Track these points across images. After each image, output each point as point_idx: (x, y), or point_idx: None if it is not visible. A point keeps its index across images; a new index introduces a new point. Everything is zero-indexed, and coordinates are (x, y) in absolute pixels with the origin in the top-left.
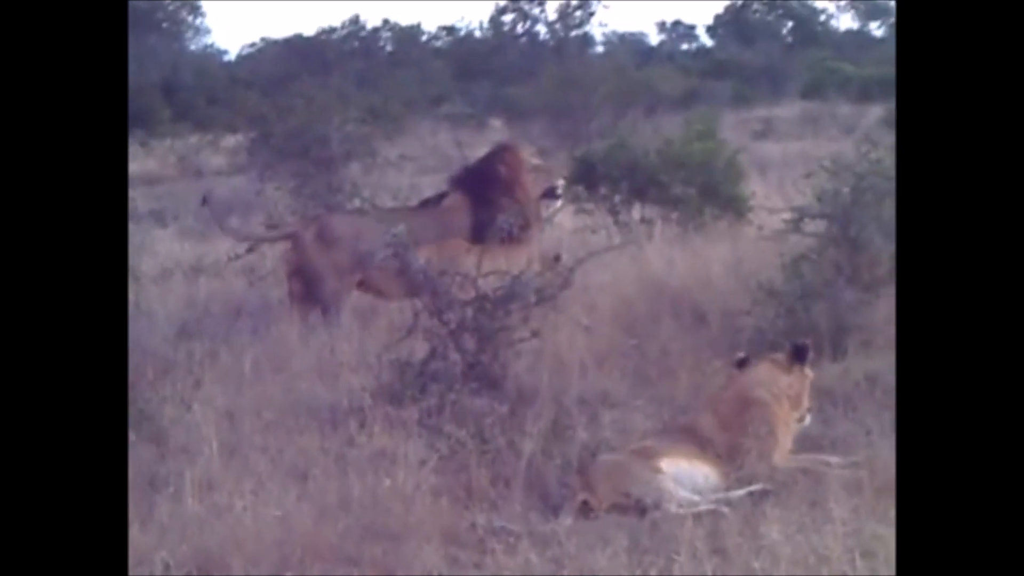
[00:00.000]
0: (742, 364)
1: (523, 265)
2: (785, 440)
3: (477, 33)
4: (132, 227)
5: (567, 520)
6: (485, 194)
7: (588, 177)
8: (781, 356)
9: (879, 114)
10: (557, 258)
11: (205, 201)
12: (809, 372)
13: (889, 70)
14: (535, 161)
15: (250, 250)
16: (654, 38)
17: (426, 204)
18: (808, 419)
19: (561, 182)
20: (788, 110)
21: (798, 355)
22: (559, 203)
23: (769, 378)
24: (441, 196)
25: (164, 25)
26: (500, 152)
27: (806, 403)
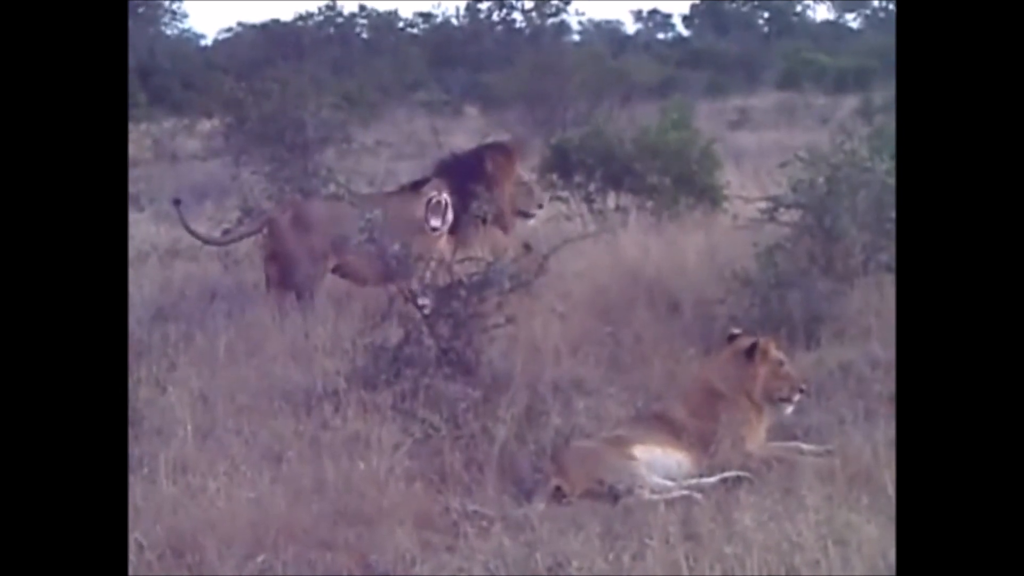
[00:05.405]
0: (733, 339)
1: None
2: (758, 428)
3: (454, 20)
4: None
5: (540, 505)
6: (466, 185)
7: (563, 165)
8: (747, 342)
9: (854, 105)
10: (527, 246)
11: (178, 203)
12: (760, 370)
13: (865, 61)
14: (525, 176)
15: (226, 232)
16: (630, 27)
17: (405, 189)
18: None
19: (538, 211)
20: (764, 100)
21: (747, 353)
22: (530, 222)
23: (734, 367)
24: (422, 182)
25: (140, 10)
26: (493, 149)
27: (758, 398)
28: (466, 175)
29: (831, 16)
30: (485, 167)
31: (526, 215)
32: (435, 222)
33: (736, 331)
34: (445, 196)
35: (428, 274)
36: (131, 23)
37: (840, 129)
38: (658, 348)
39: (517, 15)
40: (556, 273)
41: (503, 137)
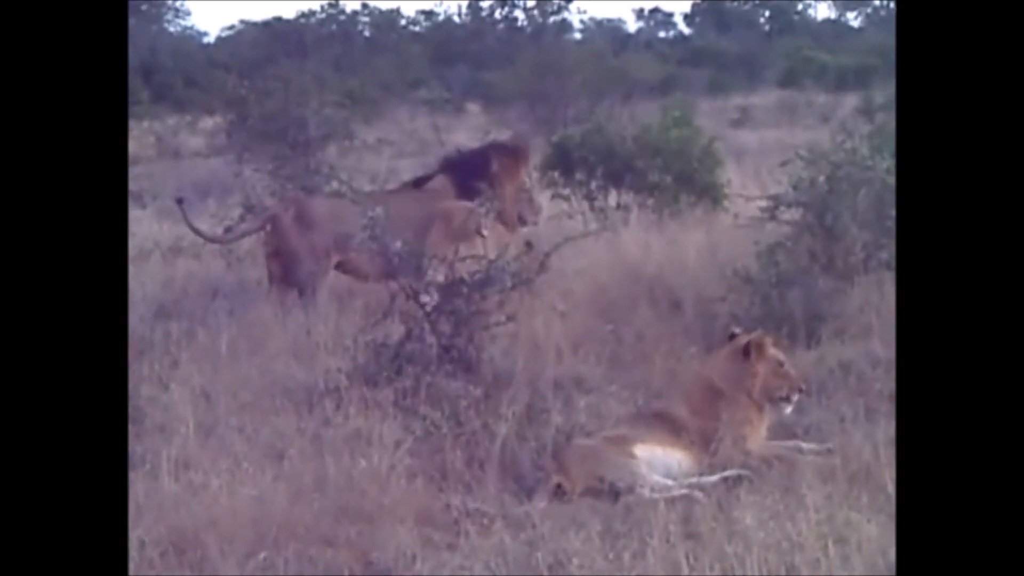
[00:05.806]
0: (733, 338)
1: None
2: (759, 427)
3: (456, 18)
4: None
5: (541, 503)
6: (470, 182)
7: (564, 163)
8: (746, 340)
9: (855, 103)
10: (528, 244)
11: (180, 201)
12: (759, 367)
13: (866, 60)
14: (528, 182)
15: (229, 229)
16: (632, 25)
17: (408, 186)
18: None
19: (536, 219)
20: (765, 98)
21: (744, 351)
22: (524, 229)
23: (734, 365)
24: (426, 178)
25: (143, 7)
26: (500, 148)
27: (757, 397)
28: (470, 172)
29: (832, 15)
30: (490, 165)
31: (524, 223)
32: (484, 231)
33: (736, 330)
34: (490, 204)
35: (430, 271)
36: (134, 21)
37: (841, 127)
38: (659, 346)
39: (519, 13)
40: (557, 271)
41: (504, 135)
